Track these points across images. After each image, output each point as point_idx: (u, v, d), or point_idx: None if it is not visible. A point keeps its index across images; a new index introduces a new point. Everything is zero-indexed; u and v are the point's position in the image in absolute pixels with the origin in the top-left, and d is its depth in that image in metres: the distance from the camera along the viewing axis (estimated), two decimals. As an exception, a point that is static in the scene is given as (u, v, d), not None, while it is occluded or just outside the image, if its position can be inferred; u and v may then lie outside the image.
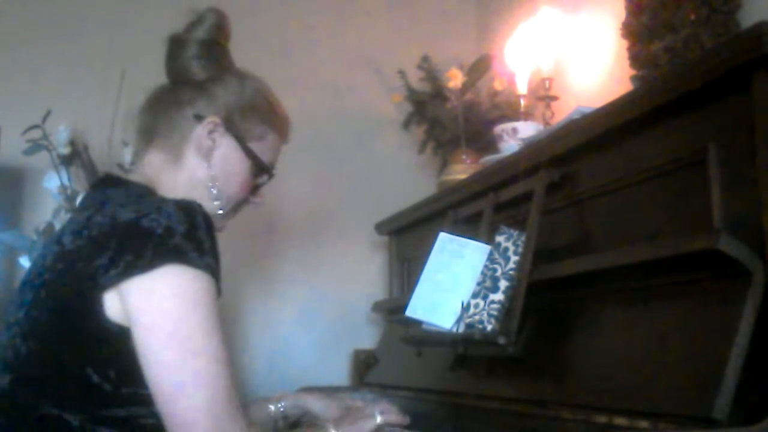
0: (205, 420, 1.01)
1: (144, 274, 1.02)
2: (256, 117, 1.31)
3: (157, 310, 1.02)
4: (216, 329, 1.05)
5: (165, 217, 1.05)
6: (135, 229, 1.05)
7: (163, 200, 1.11)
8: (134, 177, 1.26)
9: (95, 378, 1.05)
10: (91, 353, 1.05)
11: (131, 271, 1.02)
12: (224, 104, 1.28)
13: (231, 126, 1.29)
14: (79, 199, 2.01)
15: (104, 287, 1.04)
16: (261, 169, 1.34)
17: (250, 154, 1.31)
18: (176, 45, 1.31)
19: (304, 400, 1.56)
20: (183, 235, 1.04)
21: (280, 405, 1.54)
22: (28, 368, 1.08)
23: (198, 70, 1.29)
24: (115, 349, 1.05)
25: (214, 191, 1.28)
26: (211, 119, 1.27)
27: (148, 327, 1.02)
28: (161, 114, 1.30)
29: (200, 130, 1.27)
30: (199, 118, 1.27)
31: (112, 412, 1.05)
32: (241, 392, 2.27)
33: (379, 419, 1.37)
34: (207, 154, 1.27)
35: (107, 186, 1.23)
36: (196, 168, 1.28)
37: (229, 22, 1.34)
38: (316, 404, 1.54)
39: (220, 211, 1.30)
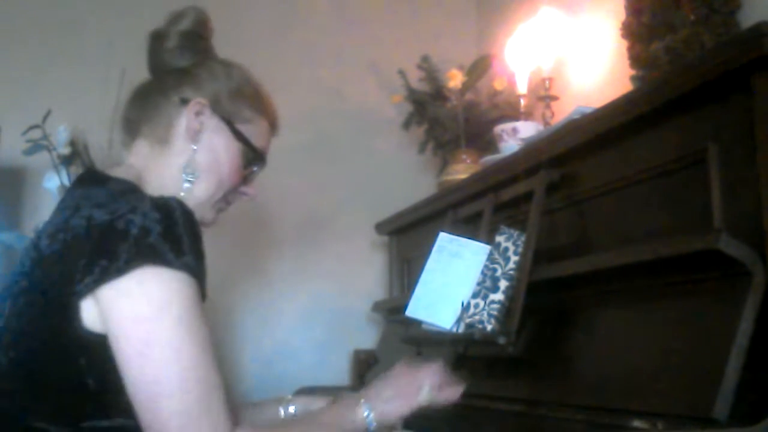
0: (180, 428, 0.97)
1: (119, 278, 0.98)
2: (244, 100, 1.27)
3: (131, 317, 0.98)
4: (194, 332, 1.00)
5: (140, 216, 1.01)
6: (109, 231, 1.01)
7: (140, 198, 1.06)
8: (118, 172, 1.20)
9: (77, 389, 1.02)
10: (70, 364, 1.02)
11: (106, 276, 0.98)
12: (211, 88, 1.24)
13: (218, 107, 1.24)
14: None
15: (80, 295, 1.00)
16: (252, 153, 1.28)
17: (239, 136, 1.25)
18: (157, 39, 1.28)
19: (314, 403, 1.55)
20: (159, 234, 0.99)
21: (290, 407, 1.51)
22: (10, 380, 1.05)
23: (180, 58, 1.26)
24: (95, 359, 1.01)
25: (197, 174, 1.22)
26: (198, 100, 1.22)
27: (123, 334, 0.99)
28: (147, 103, 1.26)
29: (186, 113, 1.22)
30: (184, 101, 1.23)
31: (96, 423, 1.03)
32: (239, 393, 2.27)
33: (426, 395, 1.23)
34: (194, 137, 1.22)
35: (87, 184, 1.17)
36: (184, 152, 1.23)
37: (210, 20, 1.31)
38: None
39: (203, 196, 1.23)
